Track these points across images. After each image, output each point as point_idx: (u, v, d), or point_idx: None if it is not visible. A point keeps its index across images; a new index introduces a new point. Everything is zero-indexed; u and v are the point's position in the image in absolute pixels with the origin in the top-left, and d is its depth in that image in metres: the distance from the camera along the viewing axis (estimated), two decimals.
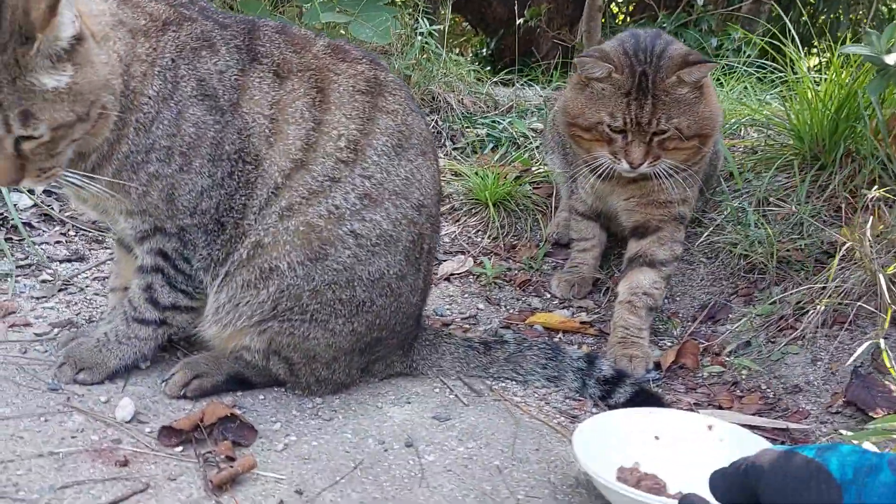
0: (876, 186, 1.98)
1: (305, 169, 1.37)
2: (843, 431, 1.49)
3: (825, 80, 2.45)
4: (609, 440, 1.43)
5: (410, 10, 3.58)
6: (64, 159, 1.24)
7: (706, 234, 2.25)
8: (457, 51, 6.26)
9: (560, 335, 1.99)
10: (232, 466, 1.21)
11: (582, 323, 2.04)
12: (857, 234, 1.80)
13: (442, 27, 3.49)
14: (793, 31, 2.70)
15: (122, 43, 1.28)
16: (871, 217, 1.87)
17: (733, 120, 2.93)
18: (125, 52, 1.28)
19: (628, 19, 6.48)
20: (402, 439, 1.41)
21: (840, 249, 1.89)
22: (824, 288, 1.84)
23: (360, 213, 1.38)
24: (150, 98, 1.31)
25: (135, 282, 1.45)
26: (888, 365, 1.57)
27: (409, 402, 1.55)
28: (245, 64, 1.37)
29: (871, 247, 1.78)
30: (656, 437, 1.47)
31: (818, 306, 1.82)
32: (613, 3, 7.26)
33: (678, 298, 2.16)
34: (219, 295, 1.42)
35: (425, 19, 3.25)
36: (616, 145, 1.80)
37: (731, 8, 4.89)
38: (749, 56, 3.51)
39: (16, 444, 1.22)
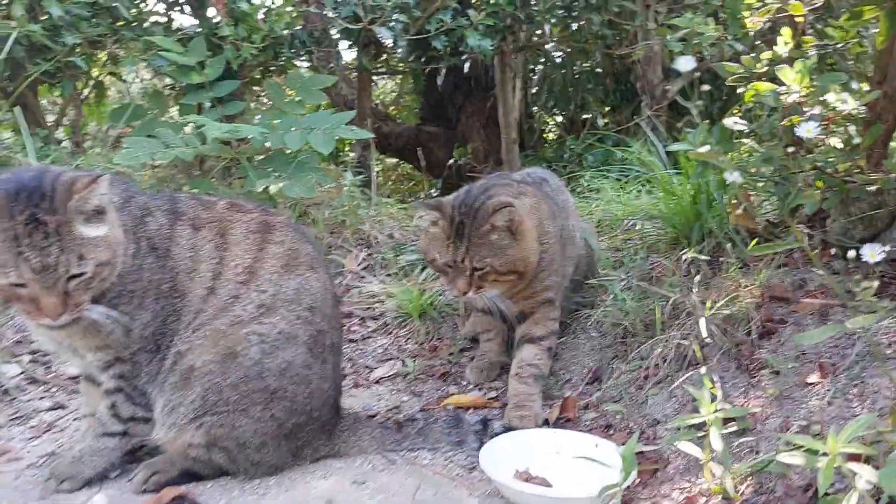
0: (702, 249, 2.43)
1: (215, 294, 1.80)
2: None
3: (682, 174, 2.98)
4: (514, 452, 1.90)
5: (344, 165, 4.16)
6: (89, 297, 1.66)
7: (595, 313, 2.68)
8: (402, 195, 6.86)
9: (471, 411, 2.36)
10: None
11: (489, 399, 2.42)
12: (683, 291, 2.23)
13: (370, 175, 4.05)
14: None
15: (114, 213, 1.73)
16: (698, 275, 2.31)
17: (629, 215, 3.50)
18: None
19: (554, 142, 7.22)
20: (323, 500, 1.76)
21: (685, 306, 2.32)
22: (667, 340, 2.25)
23: (258, 319, 1.80)
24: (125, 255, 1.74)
25: (101, 404, 1.84)
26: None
27: (333, 475, 1.90)
28: (172, 221, 1.83)
29: (697, 298, 2.21)
30: (557, 452, 1.91)
31: (666, 354, 2.22)
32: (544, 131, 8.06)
33: (572, 367, 2.54)
34: (160, 401, 1.80)
35: (350, 172, 3.81)
36: (449, 276, 2.21)
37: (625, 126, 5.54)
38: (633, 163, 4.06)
39: None
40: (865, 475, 1.23)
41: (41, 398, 2.44)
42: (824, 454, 1.31)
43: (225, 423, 1.78)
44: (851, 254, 1.29)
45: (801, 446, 1.31)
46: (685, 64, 1.66)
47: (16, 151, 3.50)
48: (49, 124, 4.55)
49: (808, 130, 1.58)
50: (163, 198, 1.90)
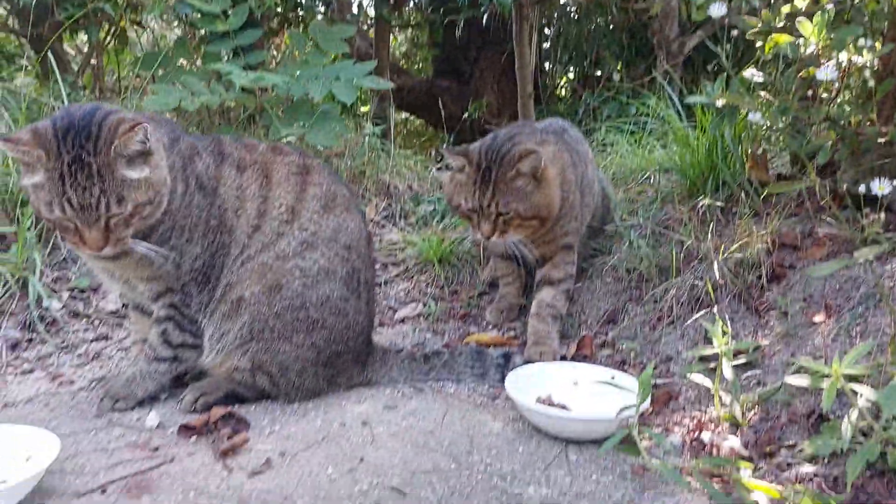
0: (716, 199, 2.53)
1: (260, 231, 1.92)
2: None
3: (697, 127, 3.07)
4: (536, 381, 2.03)
5: (360, 117, 4.24)
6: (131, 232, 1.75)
7: (611, 259, 2.80)
8: (414, 149, 6.92)
9: (492, 348, 2.49)
10: (232, 440, 1.70)
11: (509, 338, 2.55)
12: (698, 238, 2.34)
13: (389, 126, 4.13)
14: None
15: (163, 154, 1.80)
16: (712, 223, 2.42)
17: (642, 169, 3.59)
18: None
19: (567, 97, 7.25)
20: (359, 421, 1.90)
21: (699, 252, 2.43)
22: (681, 284, 2.37)
23: (301, 254, 1.92)
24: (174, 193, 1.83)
25: (153, 331, 1.97)
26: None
27: (367, 400, 2.04)
28: (218, 161, 1.94)
29: (711, 244, 2.32)
30: (575, 383, 2.05)
31: (679, 296, 2.34)
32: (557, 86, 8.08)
33: (588, 310, 2.67)
34: (209, 328, 1.93)
35: (372, 123, 3.89)
36: (474, 221, 2.32)
37: (639, 80, 5.59)
38: (649, 117, 4.14)
39: (77, 446, 1.72)
40: (866, 394, 1.35)
41: (86, 330, 2.58)
42: (828, 377, 1.43)
43: (269, 349, 1.91)
44: (862, 188, 1.38)
45: (808, 370, 1.43)
46: (717, 9, 1.75)
47: (45, 98, 3.59)
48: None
49: (826, 75, 1.67)
50: (208, 139, 2.00)
